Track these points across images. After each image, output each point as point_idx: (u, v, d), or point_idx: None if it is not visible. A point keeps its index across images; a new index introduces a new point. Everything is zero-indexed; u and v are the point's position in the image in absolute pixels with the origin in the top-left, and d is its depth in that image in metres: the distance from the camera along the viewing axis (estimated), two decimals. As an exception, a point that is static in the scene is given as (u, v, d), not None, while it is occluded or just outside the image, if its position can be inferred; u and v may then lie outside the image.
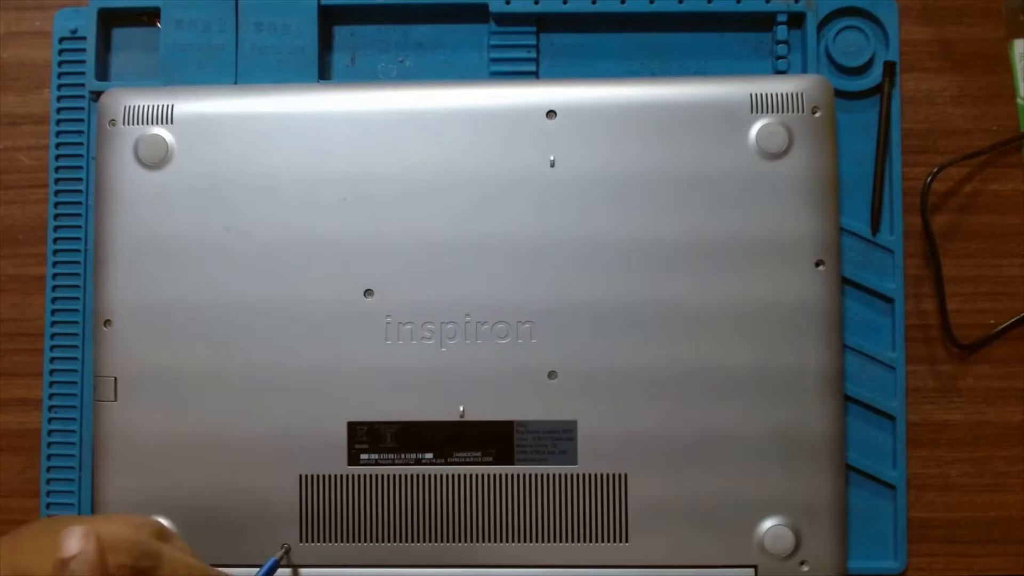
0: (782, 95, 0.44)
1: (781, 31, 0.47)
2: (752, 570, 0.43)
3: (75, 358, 0.47)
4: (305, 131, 0.44)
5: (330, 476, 0.43)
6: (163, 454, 0.44)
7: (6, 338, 0.48)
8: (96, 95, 0.47)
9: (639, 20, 0.48)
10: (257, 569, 0.42)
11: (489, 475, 0.43)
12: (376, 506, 0.43)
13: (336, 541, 0.43)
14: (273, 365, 0.43)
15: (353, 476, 0.43)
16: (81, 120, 0.48)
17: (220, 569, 0.40)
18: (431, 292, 0.43)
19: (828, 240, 0.43)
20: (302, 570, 0.44)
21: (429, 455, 0.43)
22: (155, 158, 0.44)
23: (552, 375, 0.43)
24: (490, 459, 0.43)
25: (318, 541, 0.43)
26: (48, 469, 0.47)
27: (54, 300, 0.48)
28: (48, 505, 0.47)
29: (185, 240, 0.44)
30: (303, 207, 0.44)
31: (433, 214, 0.44)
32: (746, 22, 0.48)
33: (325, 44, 0.49)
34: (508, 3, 0.47)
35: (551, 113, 0.44)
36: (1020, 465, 0.47)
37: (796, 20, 0.47)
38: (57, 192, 0.48)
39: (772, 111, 0.44)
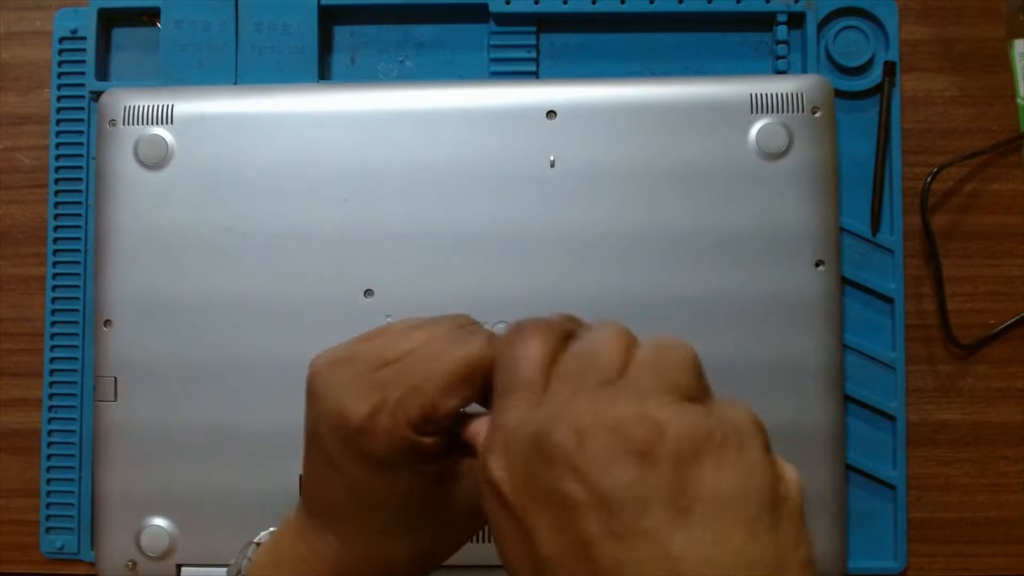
0: (782, 95, 0.44)
1: (781, 31, 0.47)
2: (752, 570, 0.43)
3: (75, 358, 0.47)
4: (305, 131, 0.44)
5: (330, 476, 0.43)
6: (163, 454, 0.44)
7: (6, 338, 0.48)
8: (96, 95, 0.47)
9: (639, 20, 0.48)
10: None
11: (489, 475, 0.43)
12: (376, 506, 0.43)
13: (336, 541, 0.43)
14: (273, 365, 0.43)
15: (353, 476, 0.43)
16: (81, 120, 0.48)
17: None
18: (431, 292, 0.43)
19: (828, 240, 0.43)
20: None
21: (429, 455, 0.43)
22: (155, 158, 0.44)
23: (552, 375, 0.43)
24: (490, 459, 0.43)
25: (318, 541, 0.43)
26: (48, 469, 0.47)
27: (54, 300, 0.48)
28: (48, 505, 0.47)
29: (185, 240, 0.44)
30: (303, 207, 0.44)
31: (433, 214, 0.44)
32: (746, 22, 0.48)
33: (325, 44, 0.49)
34: (508, 3, 0.47)
35: (551, 113, 0.44)
36: (1020, 465, 0.47)
37: (796, 20, 0.47)
38: (57, 192, 0.48)
39: (772, 111, 0.44)
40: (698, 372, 0.26)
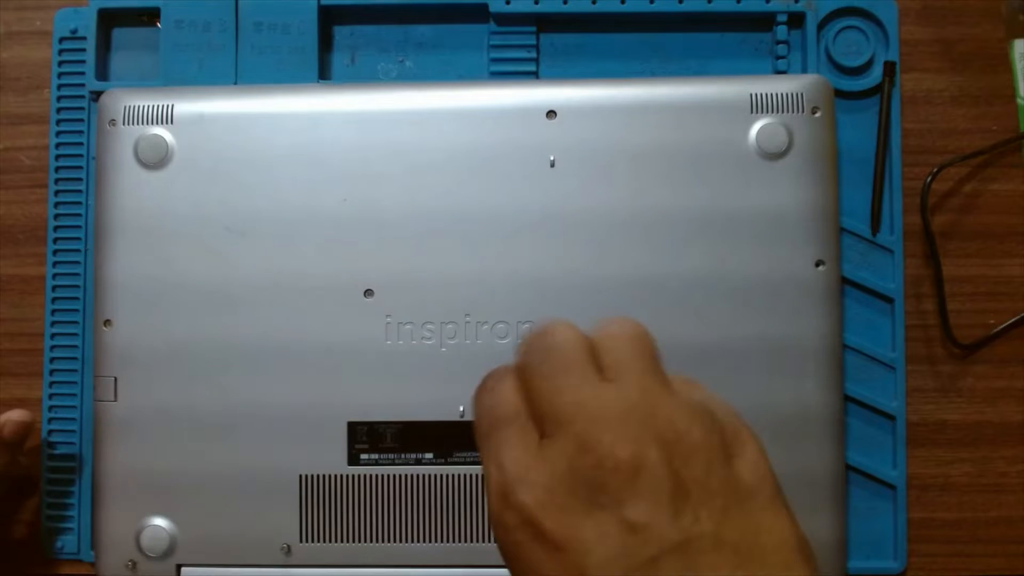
0: (782, 95, 0.44)
1: (781, 31, 0.47)
2: (752, 570, 0.43)
3: (75, 358, 0.47)
4: (305, 131, 0.44)
5: (330, 476, 0.43)
6: (163, 454, 0.44)
7: (6, 338, 0.48)
8: (96, 95, 0.47)
9: (639, 20, 0.48)
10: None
11: (489, 475, 0.43)
12: (376, 506, 0.43)
13: (336, 541, 0.43)
14: (273, 365, 0.43)
15: (353, 476, 0.43)
16: (81, 120, 0.48)
17: None
18: (431, 292, 0.43)
19: (828, 240, 0.43)
20: (302, 570, 0.44)
21: (429, 455, 0.43)
22: (155, 158, 0.44)
23: (552, 375, 0.43)
24: (490, 459, 0.43)
25: (318, 541, 0.43)
26: (48, 469, 0.47)
27: (54, 300, 0.48)
28: (48, 505, 0.47)
29: (185, 240, 0.44)
30: (303, 207, 0.44)
31: (433, 215, 0.44)
32: (746, 22, 0.48)
33: (325, 44, 0.49)
34: (508, 3, 0.47)
35: (551, 113, 0.44)
36: (1020, 465, 0.47)
37: (796, 20, 0.47)
38: (57, 192, 0.48)
39: (772, 111, 0.44)
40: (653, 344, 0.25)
